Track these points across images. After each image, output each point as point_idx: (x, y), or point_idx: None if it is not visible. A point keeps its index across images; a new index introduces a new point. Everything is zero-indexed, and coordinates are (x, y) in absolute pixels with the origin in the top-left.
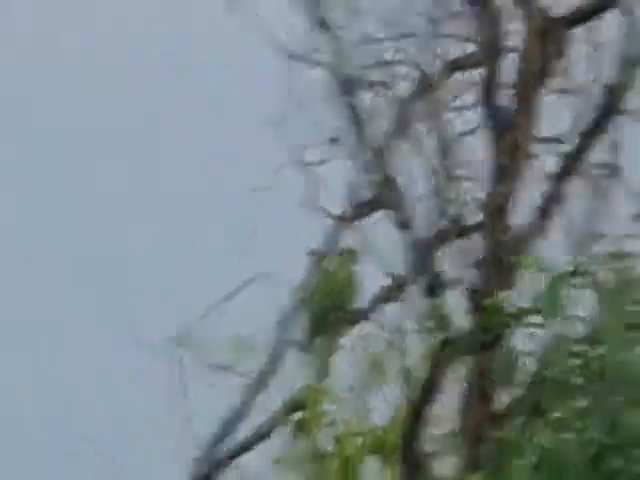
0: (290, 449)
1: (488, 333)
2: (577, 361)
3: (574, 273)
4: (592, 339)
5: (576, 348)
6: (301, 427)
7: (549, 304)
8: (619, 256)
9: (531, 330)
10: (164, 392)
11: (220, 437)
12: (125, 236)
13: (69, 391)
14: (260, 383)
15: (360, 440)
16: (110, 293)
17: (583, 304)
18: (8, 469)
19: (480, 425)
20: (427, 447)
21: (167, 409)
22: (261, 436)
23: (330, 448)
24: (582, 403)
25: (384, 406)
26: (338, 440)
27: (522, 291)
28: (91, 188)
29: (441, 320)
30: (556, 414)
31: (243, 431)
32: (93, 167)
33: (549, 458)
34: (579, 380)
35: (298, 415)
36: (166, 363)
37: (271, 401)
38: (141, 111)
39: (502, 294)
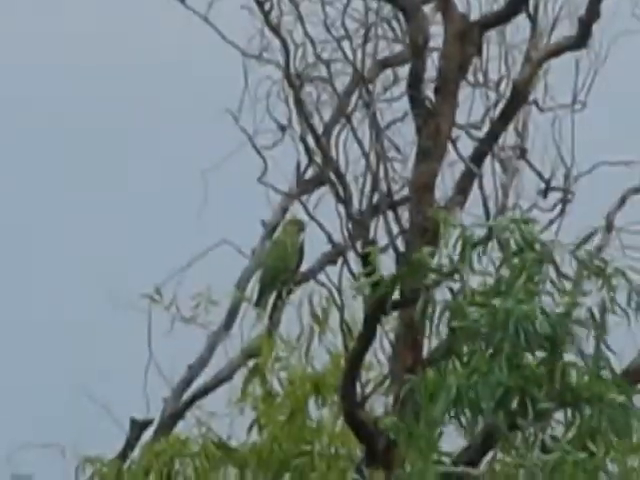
0: (247, 391)
1: (413, 286)
2: (483, 311)
3: (487, 238)
4: (497, 292)
5: (482, 299)
6: (256, 371)
7: (461, 261)
8: (524, 222)
9: (449, 284)
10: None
11: (187, 381)
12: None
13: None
14: (221, 334)
15: (306, 383)
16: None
17: (492, 263)
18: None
19: (408, 370)
20: (363, 389)
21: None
22: (222, 380)
23: (281, 390)
24: (488, 350)
25: (326, 354)
26: (289, 383)
27: (443, 252)
28: None
29: (373, 273)
30: (465, 359)
31: (207, 376)
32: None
33: (463, 399)
34: (484, 329)
35: (254, 361)
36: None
37: (230, 349)
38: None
39: (425, 250)
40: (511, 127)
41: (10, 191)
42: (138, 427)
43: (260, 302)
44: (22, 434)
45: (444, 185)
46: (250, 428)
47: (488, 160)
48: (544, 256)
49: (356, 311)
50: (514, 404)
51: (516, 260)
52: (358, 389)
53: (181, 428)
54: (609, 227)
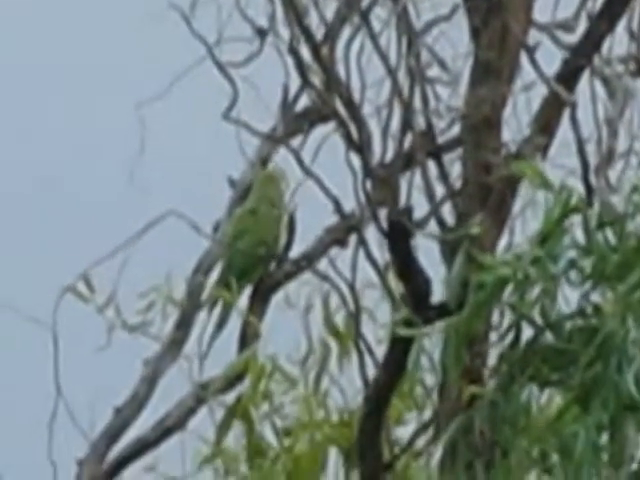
0: (221, 444)
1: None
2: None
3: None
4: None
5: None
6: (237, 414)
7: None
8: None
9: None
10: None
11: (115, 431)
12: None
13: None
14: (166, 356)
15: (316, 434)
16: None
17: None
18: None
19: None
20: (392, 444)
21: None
22: (169, 429)
23: (277, 444)
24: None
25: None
26: (288, 433)
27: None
28: None
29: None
30: None
31: (145, 422)
32: None
33: None
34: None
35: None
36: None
37: (183, 380)
38: None
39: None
40: (621, 26)
41: None
42: None
43: (227, 305)
44: None
45: (516, 119)
46: None
47: (585, 79)
48: None
49: (379, 319)
50: None
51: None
52: (385, 443)
53: None
54: None
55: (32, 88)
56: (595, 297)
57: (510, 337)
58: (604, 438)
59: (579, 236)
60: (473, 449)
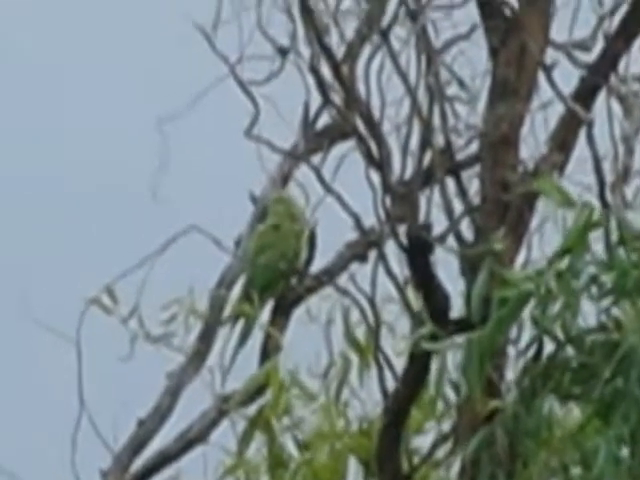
0: (243, 455)
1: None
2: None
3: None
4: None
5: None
6: (258, 425)
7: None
8: None
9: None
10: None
11: (138, 443)
12: None
13: None
14: (189, 370)
15: (336, 445)
16: None
17: None
18: None
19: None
20: (411, 456)
21: None
22: (192, 441)
23: (298, 455)
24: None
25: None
26: (308, 445)
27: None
28: None
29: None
30: None
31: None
32: None
33: None
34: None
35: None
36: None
37: (205, 393)
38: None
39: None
40: (636, 46)
41: None
42: None
43: (249, 320)
44: None
45: (534, 137)
46: None
47: (601, 98)
48: None
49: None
50: None
51: None
52: (404, 455)
53: None
54: None
55: (59, 101)
56: (615, 312)
57: (532, 351)
58: (625, 451)
59: (597, 252)
60: (495, 461)
